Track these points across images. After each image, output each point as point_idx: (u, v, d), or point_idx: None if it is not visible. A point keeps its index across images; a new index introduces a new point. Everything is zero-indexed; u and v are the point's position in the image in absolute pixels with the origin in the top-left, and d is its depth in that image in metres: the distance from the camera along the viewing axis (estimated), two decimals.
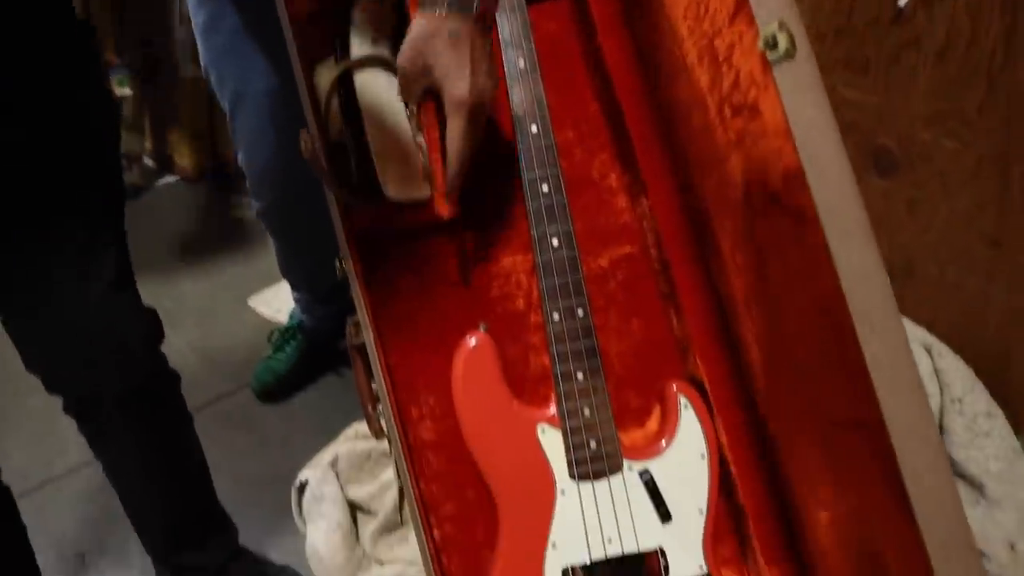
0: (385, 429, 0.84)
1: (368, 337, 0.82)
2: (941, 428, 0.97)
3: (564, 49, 0.94)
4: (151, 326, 0.86)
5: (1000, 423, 0.97)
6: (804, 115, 0.55)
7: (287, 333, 1.56)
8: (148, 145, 2.37)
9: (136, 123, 2.30)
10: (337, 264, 0.85)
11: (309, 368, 1.57)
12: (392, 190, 0.84)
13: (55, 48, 0.71)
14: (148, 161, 2.39)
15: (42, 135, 0.71)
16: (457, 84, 0.68)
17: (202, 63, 1.19)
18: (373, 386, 0.83)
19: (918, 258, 1.06)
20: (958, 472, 0.94)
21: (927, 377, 0.99)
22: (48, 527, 1.33)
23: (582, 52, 0.93)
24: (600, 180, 0.94)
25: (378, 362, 0.82)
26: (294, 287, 1.53)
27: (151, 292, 0.86)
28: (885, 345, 0.52)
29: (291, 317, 1.59)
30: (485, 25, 0.68)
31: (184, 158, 2.30)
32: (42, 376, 0.85)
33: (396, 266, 0.88)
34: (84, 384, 0.84)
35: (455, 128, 0.71)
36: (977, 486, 0.93)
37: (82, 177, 0.76)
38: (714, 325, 0.87)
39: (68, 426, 0.96)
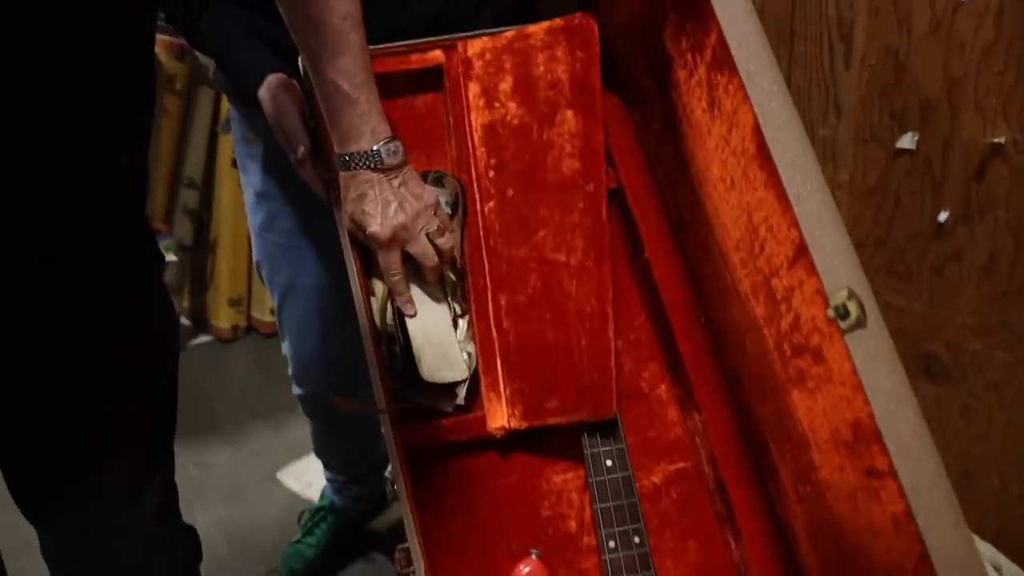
0: None
1: (419, 568, 0.79)
2: None
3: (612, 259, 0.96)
4: (192, 553, 0.83)
5: None
6: (881, 385, 0.54)
7: (317, 515, 1.52)
8: (185, 305, 2.42)
9: (177, 286, 2.37)
10: (388, 487, 0.83)
11: (339, 551, 1.52)
12: (425, 371, 0.84)
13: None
14: (184, 320, 2.43)
15: (96, 350, 0.71)
16: (371, 224, 0.81)
17: (255, 258, 1.23)
18: None
19: (978, 468, 1.03)
20: None
21: None
22: None
23: (629, 263, 0.95)
24: (650, 392, 0.93)
25: None
26: (327, 467, 1.50)
27: (179, 458, 0.82)
28: None
29: (322, 497, 1.55)
30: (391, 171, 0.81)
31: (220, 320, 2.33)
32: None
33: (447, 486, 0.86)
34: None
35: (381, 259, 0.83)
36: None
37: (139, 398, 0.75)
38: (775, 552, 0.83)
39: None
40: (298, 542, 1.51)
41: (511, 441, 0.88)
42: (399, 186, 0.81)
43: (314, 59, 0.78)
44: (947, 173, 0.95)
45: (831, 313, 0.55)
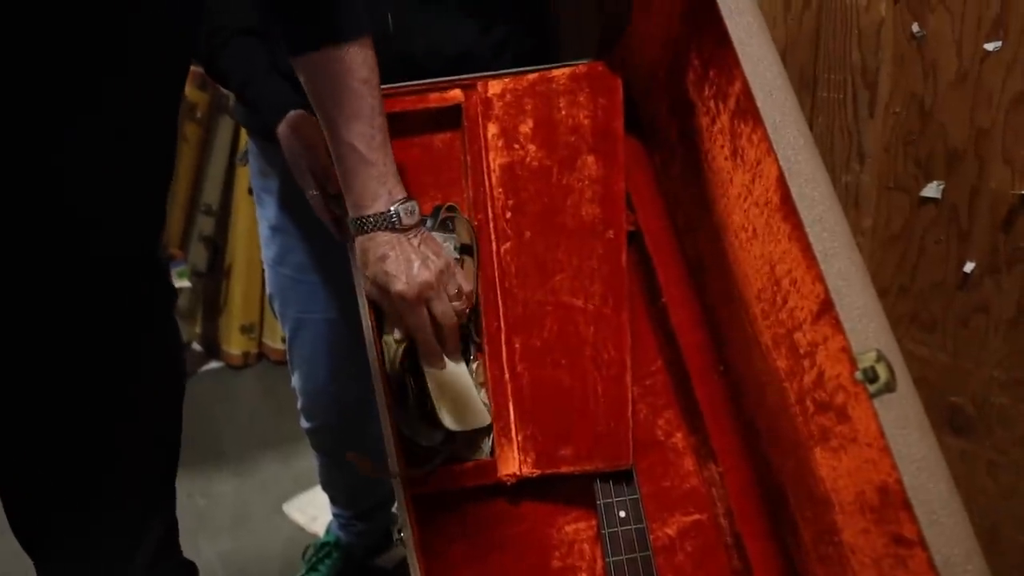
0: None
1: None
2: None
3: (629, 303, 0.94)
4: None
5: None
6: (911, 452, 0.52)
7: (322, 551, 1.49)
8: (197, 330, 2.42)
9: (189, 311, 2.37)
10: (396, 534, 0.81)
11: None
12: (447, 422, 0.83)
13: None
14: (195, 346, 2.43)
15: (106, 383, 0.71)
16: (396, 284, 0.78)
17: (268, 290, 1.22)
18: None
19: (1004, 525, 0.99)
20: None
21: None
22: None
23: (646, 307, 0.93)
24: (665, 440, 0.91)
25: None
26: (334, 501, 1.48)
27: (185, 487, 0.81)
28: None
29: (327, 532, 1.53)
30: (410, 231, 0.80)
31: (231, 346, 2.33)
32: None
33: (455, 533, 0.84)
34: None
35: (409, 320, 0.80)
36: None
37: (145, 445, 0.74)
38: None
39: None
40: None
41: (521, 488, 0.86)
42: (419, 244, 0.80)
43: (331, 123, 0.78)
44: (974, 223, 0.93)
45: (859, 376, 0.54)
